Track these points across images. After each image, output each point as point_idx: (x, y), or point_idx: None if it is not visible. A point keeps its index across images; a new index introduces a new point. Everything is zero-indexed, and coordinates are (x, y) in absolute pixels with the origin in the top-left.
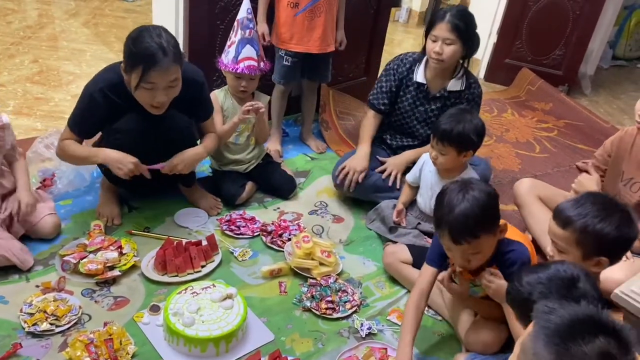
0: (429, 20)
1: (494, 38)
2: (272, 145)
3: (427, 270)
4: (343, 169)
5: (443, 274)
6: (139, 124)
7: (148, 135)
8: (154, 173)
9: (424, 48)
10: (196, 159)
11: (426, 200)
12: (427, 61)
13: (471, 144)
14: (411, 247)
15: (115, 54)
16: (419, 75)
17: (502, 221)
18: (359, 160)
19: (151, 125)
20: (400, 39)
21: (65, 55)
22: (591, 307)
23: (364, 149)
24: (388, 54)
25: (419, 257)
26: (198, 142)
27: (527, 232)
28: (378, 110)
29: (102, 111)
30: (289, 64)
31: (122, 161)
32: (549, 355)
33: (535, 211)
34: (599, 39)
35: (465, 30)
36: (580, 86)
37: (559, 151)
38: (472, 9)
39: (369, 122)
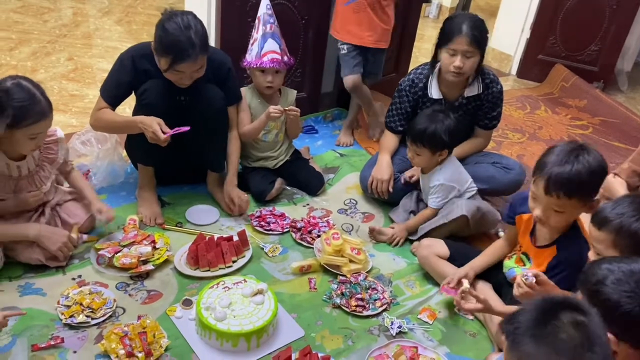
0: (443, 33)
1: (527, 34)
2: (345, 138)
3: (511, 229)
4: (371, 183)
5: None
6: (167, 84)
7: (175, 95)
8: (183, 157)
9: (434, 60)
10: (235, 182)
11: (425, 195)
12: (439, 74)
13: (443, 144)
14: (448, 241)
15: None
16: (434, 91)
17: (597, 200)
18: (382, 169)
19: (179, 88)
20: (430, 35)
21: (100, 53)
22: (540, 298)
23: (385, 158)
24: (417, 50)
25: (456, 251)
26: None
27: None
28: (395, 132)
29: (131, 75)
30: (345, 51)
31: (147, 122)
32: (536, 345)
33: None
34: (636, 33)
35: (482, 40)
36: (616, 82)
37: None
38: (504, 4)
39: (388, 139)
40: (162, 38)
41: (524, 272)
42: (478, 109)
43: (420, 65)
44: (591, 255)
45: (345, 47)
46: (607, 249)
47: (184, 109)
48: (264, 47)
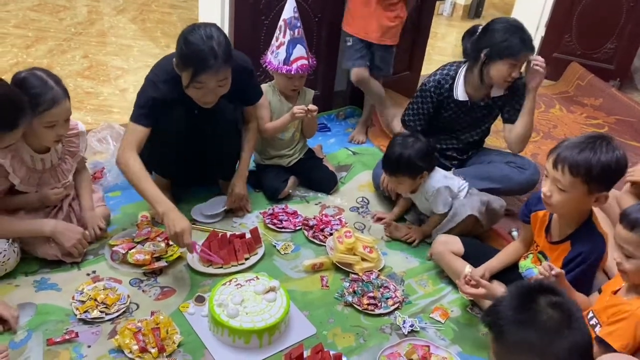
0: (507, 46)
1: (542, 31)
2: (358, 135)
3: (526, 228)
4: (383, 180)
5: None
6: (184, 114)
7: (192, 124)
8: (196, 162)
9: (472, 62)
10: (245, 176)
11: (424, 209)
12: (465, 75)
13: (421, 169)
14: (463, 239)
15: (161, 49)
16: (460, 93)
17: (606, 194)
18: None
19: (197, 116)
20: (444, 33)
21: (114, 51)
22: (513, 286)
23: None
24: (431, 47)
25: (471, 249)
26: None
27: None
28: (413, 131)
29: (163, 91)
30: (350, 43)
31: (180, 223)
32: (521, 331)
33: None
34: None
35: None
36: (633, 81)
37: None
38: (519, 2)
39: None
40: (183, 50)
41: (545, 265)
42: (503, 106)
43: (446, 66)
44: (617, 257)
45: (350, 39)
46: (638, 250)
47: (195, 122)
48: (293, 53)
